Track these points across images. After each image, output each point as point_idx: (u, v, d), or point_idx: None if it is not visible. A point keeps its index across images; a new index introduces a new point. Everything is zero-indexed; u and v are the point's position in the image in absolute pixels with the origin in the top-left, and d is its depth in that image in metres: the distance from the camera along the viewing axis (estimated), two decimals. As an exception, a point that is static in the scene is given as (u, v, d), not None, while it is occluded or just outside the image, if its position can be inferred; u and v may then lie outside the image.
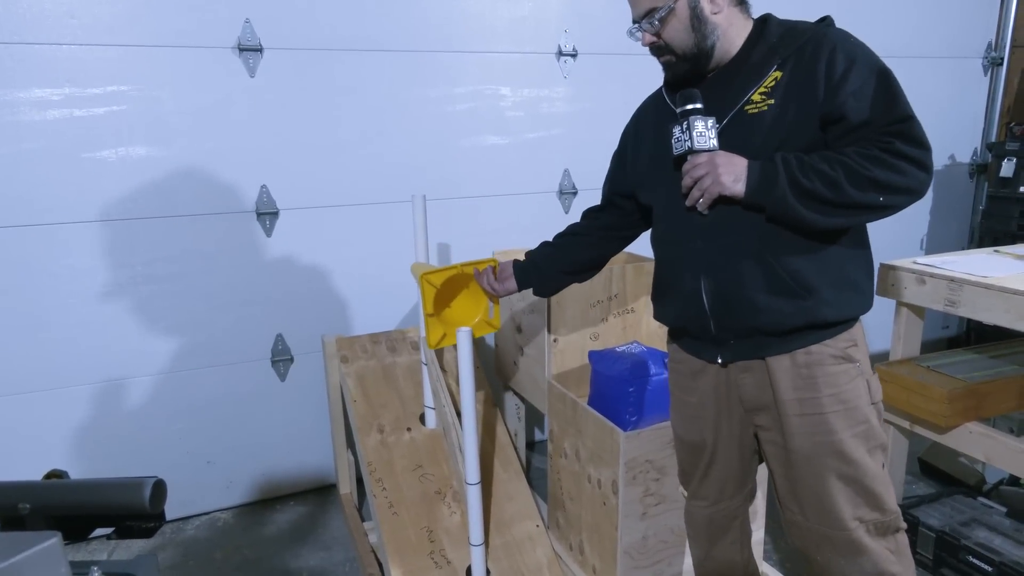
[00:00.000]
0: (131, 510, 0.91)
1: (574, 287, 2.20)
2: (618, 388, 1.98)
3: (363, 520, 2.49)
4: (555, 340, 2.22)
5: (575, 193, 2.92)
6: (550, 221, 2.92)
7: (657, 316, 1.58)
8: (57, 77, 2.13)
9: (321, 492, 2.74)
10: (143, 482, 0.90)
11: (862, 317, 1.39)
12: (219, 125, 2.34)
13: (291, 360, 2.61)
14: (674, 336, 1.58)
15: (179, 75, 2.26)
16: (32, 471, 2.30)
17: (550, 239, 1.72)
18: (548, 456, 2.26)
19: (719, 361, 1.44)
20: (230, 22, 2.29)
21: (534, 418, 2.99)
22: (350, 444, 2.55)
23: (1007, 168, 3.13)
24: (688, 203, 1.35)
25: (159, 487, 0.91)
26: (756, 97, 1.30)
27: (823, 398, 1.34)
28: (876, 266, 1.78)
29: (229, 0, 2.27)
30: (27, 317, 2.23)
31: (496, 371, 2.75)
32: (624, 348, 2.11)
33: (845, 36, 1.29)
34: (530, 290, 1.74)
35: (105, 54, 2.17)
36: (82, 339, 2.30)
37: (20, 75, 2.10)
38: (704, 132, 1.30)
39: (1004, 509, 2.16)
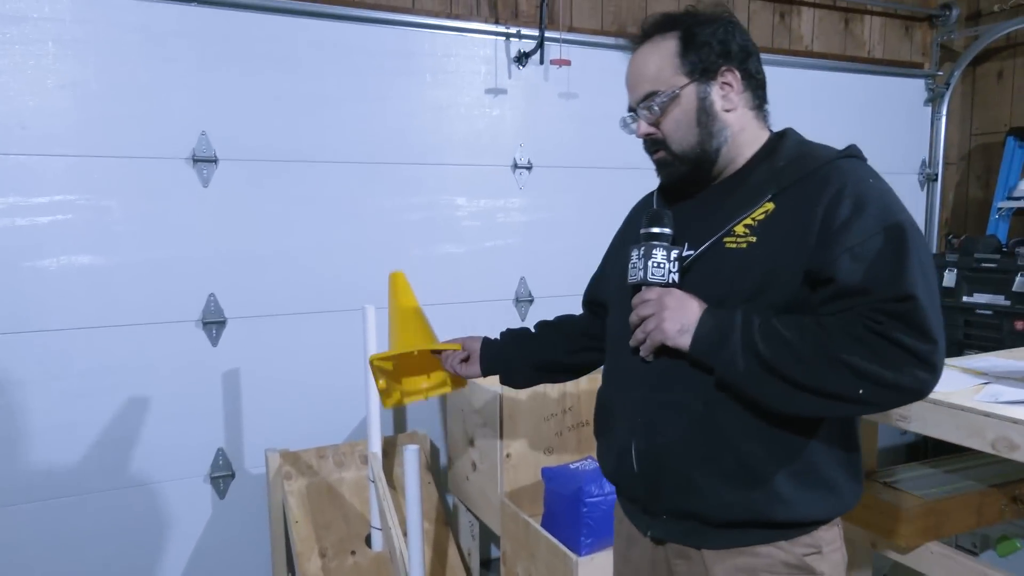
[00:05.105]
0: None
1: (527, 401, 2.16)
2: (572, 508, 1.90)
3: (301, 655, 2.29)
4: (508, 455, 2.15)
5: (531, 301, 2.92)
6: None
7: (598, 457, 1.36)
8: (2, 187, 2.10)
9: (259, 622, 2.53)
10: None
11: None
12: (168, 234, 2.31)
13: (232, 476, 2.47)
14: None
15: (130, 185, 2.25)
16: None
17: (546, 320, 1.51)
18: (501, 581, 2.14)
19: (649, 535, 1.19)
20: (185, 134, 2.30)
21: (489, 533, 2.85)
22: (291, 569, 2.38)
23: (949, 279, 3.24)
24: (631, 343, 1.13)
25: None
26: (740, 229, 1.07)
27: None
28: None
29: (185, 112, 2.29)
30: (-55, 433, 2.09)
31: (450, 485, 2.65)
32: (578, 464, 2.05)
33: (861, 175, 1.05)
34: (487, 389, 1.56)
35: (54, 164, 2.16)
36: (2, 458, 2.16)
37: (-38, 184, 2.06)
38: (663, 263, 1.09)
39: (974, 633, 2.07)
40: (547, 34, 2.70)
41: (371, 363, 1.50)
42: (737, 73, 1.13)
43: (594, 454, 2.22)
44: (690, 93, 1.11)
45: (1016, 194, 3.40)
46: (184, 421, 2.38)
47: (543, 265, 2.91)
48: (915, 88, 3.65)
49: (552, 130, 2.87)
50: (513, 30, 2.73)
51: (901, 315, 0.94)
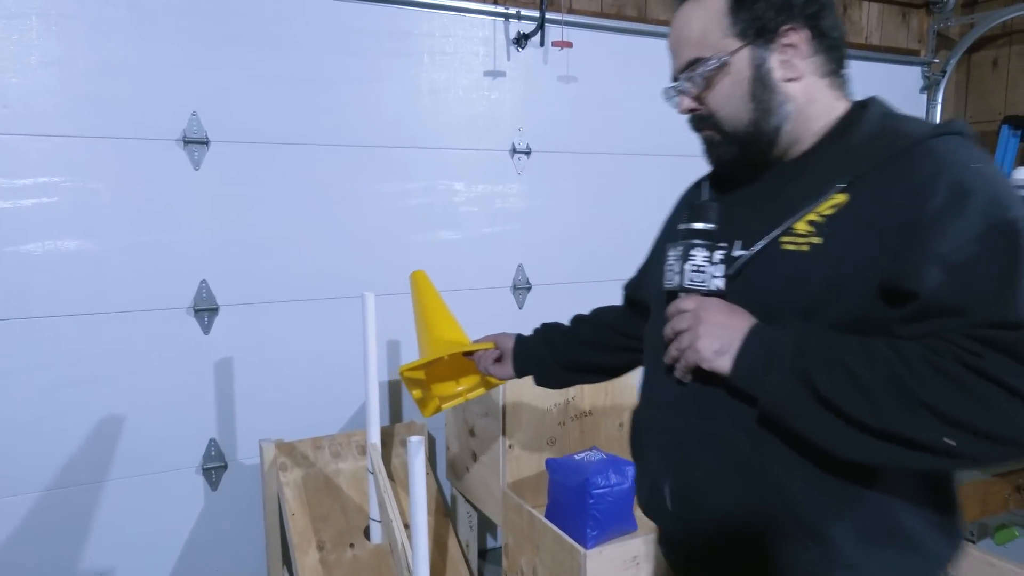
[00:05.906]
0: None
1: (529, 390, 2.12)
2: (577, 499, 1.87)
3: (298, 648, 2.25)
4: (510, 446, 2.11)
5: (529, 288, 2.88)
6: (504, 316, 2.85)
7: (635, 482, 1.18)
8: (-18, 167, 2.01)
9: (253, 615, 2.49)
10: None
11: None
12: (158, 218, 2.23)
13: (224, 467, 2.41)
14: None
15: (118, 167, 2.16)
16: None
17: (581, 314, 1.36)
18: (503, 573, 2.11)
19: None
20: (176, 114, 2.22)
21: (486, 524, 2.83)
22: (287, 562, 2.34)
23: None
24: (666, 360, 0.95)
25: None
26: (801, 226, 0.86)
27: None
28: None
29: (176, 92, 2.21)
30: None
31: (448, 476, 2.61)
32: (583, 455, 2.01)
33: (962, 158, 0.81)
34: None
35: (39, 144, 2.07)
36: (-12, 449, 2.08)
37: (-59, 164, 1.97)
38: (703, 267, 0.91)
39: (974, 621, 2.08)
40: (547, 15, 2.64)
41: (401, 375, 1.41)
42: (804, 32, 0.90)
43: (597, 443, 2.19)
44: (742, 59, 0.90)
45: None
46: (175, 411, 2.32)
47: (541, 252, 2.86)
48: (911, 75, 3.64)
49: (551, 114, 2.82)
50: (512, 11, 2.66)
51: (1007, 346, 0.72)
